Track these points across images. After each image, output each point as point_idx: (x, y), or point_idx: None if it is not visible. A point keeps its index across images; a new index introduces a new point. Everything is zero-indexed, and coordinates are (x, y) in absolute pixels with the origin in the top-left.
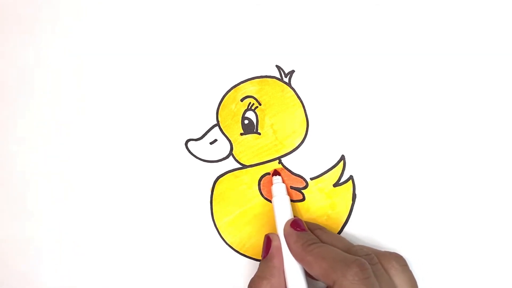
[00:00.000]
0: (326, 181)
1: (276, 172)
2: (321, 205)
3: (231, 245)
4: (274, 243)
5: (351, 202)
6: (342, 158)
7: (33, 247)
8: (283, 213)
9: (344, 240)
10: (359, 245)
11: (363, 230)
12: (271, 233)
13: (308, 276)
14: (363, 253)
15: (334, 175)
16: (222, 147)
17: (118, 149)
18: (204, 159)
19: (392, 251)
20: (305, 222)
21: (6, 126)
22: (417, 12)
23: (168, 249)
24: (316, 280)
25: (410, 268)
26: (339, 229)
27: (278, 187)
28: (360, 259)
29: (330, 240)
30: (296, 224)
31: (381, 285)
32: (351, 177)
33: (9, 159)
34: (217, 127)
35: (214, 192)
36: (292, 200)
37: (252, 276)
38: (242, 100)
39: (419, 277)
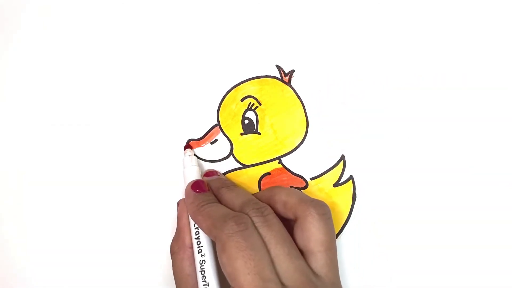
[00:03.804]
0: (326, 181)
1: (188, 146)
2: None
3: None
4: (179, 207)
5: (351, 202)
6: (342, 158)
7: (32, 247)
8: (190, 179)
9: (244, 195)
10: (261, 192)
11: (363, 230)
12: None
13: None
14: (254, 206)
15: (334, 175)
16: (223, 147)
17: (118, 149)
18: (204, 159)
19: (319, 200)
20: (215, 180)
21: (4, 126)
22: (419, 12)
23: (167, 250)
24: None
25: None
26: (339, 229)
27: (189, 159)
28: (240, 214)
29: (229, 198)
30: (196, 185)
31: (266, 234)
32: (351, 177)
33: (5, 158)
34: (217, 127)
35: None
36: None
37: None
38: (242, 100)
39: (419, 276)
